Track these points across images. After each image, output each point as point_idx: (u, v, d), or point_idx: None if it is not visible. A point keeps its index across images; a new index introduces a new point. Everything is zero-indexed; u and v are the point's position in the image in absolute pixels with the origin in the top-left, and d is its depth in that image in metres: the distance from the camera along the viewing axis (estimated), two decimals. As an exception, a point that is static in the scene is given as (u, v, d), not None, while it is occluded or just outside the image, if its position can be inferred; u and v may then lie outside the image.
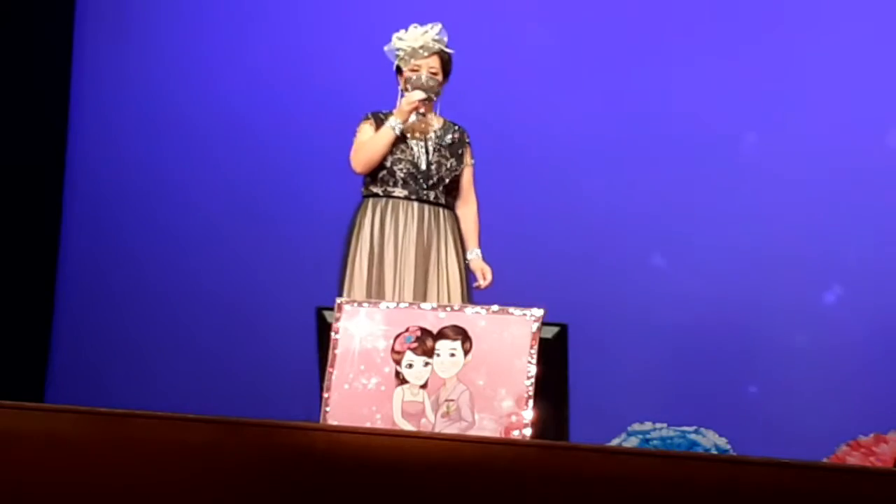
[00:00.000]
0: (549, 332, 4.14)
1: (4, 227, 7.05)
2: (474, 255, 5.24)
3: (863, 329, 6.42)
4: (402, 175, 5.16)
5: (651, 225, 6.68)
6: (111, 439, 3.11)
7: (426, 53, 5.18)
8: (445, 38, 5.20)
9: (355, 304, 4.13)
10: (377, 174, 5.18)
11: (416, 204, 5.17)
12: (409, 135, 5.21)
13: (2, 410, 3.21)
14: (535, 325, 4.02)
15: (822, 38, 6.57)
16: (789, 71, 6.59)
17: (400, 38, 5.18)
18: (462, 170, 5.28)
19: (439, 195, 5.20)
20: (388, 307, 4.15)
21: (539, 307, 4.08)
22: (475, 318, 4.07)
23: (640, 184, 6.68)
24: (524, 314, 4.06)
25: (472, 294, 5.19)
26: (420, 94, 5.14)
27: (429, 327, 4.06)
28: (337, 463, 3.02)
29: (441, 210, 5.21)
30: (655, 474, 2.87)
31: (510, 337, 4.00)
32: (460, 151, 5.28)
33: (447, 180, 5.22)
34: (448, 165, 5.22)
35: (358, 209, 5.22)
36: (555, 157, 6.75)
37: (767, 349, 6.52)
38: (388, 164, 5.16)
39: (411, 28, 5.19)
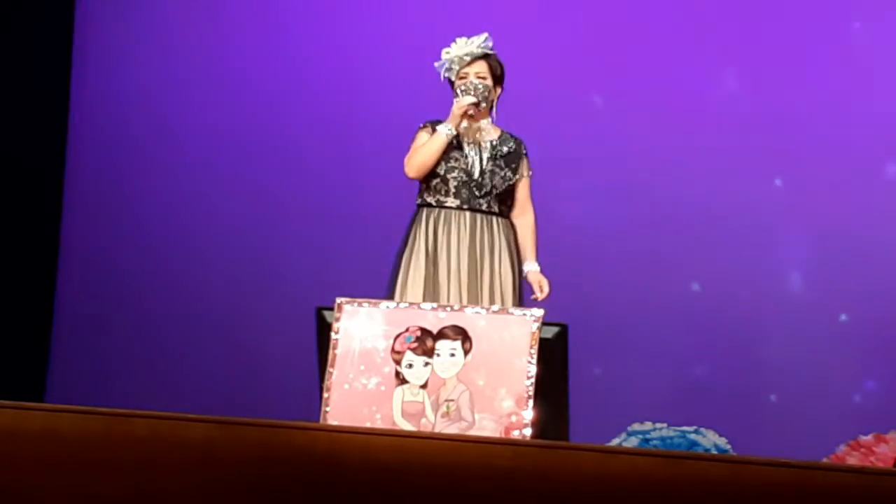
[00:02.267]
0: (549, 332, 4.14)
1: (4, 227, 7.04)
2: (532, 267, 5.23)
3: (863, 329, 6.42)
4: (454, 184, 5.17)
5: (652, 225, 6.68)
6: (111, 439, 3.11)
7: (470, 59, 5.20)
8: (490, 44, 5.22)
9: (355, 304, 4.13)
10: (431, 183, 5.20)
11: (468, 214, 5.17)
12: (466, 143, 5.22)
13: (2, 410, 3.21)
14: (535, 325, 4.02)
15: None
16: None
17: (447, 52, 5.22)
18: (518, 181, 5.27)
19: (492, 204, 5.20)
20: (388, 307, 4.16)
21: (539, 307, 4.08)
22: (475, 318, 4.07)
23: (641, 183, 6.68)
24: (524, 314, 4.06)
25: (524, 304, 5.17)
26: (470, 99, 5.16)
27: (429, 327, 4.07)
28: (337, 463, 3.02)
29: (494, 219, 5.21)
30: (655, 474, 2.87)
31: (510, 337, 4.01)
32: (516, 163, 5.27)
33: (500, 190, 5.21)
34: (502, 175, 5.21)
35: (413, 219, 5.23)
36: (554, 157, 6.75)
37: (768, 349, 6.52)
38: (441, 172, 5.18)
39: (457, 40, 5.23)
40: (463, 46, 5.22)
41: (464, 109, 5.15)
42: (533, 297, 5.23)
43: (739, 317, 6.55)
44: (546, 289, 5.21)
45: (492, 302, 5.05)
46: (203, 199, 7.15)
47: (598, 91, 6.80)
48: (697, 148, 6.69)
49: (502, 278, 5.17)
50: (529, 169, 5.32)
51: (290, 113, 7.10)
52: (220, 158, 7.16)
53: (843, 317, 6.46)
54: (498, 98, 5.30)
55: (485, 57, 5.23)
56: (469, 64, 5.22)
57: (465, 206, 5.18)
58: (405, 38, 6.92)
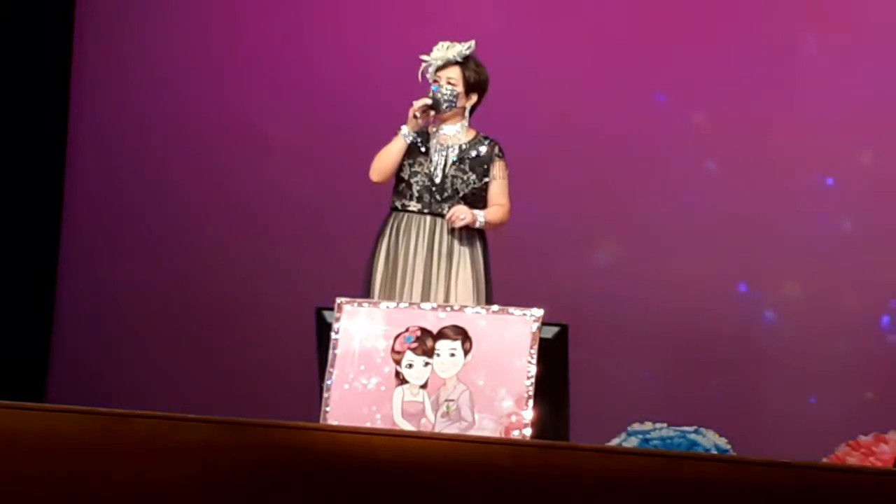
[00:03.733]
0: (549, 332, 4.15)
1: (4, 227, 7.04)
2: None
3: (862, 329, 6.42)
4: (417, 188, 5.23)
5: (651, 225, 6.68)
6: (111, 439, 3.12)
7: (441, 63, 5.25)
8: (468, 52, 5.26)
9: (355, 304, 4.14)
10: (398, 187, 5.26)
11: (427, 218, 5.21)
12: (434, 147, 5.26)
13: (2, 410, 3.21)
14: (535, 325, 4.03)
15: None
16: (799, 84, 6.60)
17: (427, 55, 5.26)
18: (488, 183, 5.28)
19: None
20: (388, 307, 4.16)
21: (539, 307, 4.09)
22: (475, 318, 4.07)
23: (641, 184, 6.68)
24: (524, 314, 4.07)
25: (488, 302, 5.15)
26: (422, 101, 5.21)
27: (429, 327, 4.07)
28: (337, 463, 3.03)
29: None
30: (655, 474, 2.88)
31: (510, 337, 4.01)
32: (485, 166, 5.28)
33: (464, 193, 5.23)
34: (465, 179, 5.23)
35: (382, 223, 5.28)
36: (555, 157, 6.75)
37: (767, 349, 6.52)
38: (406, 176, 5.24)
39: (439, 44, 5.27)
40: (440, 50, 5.27)
41: (413, 111, 5.20)
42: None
43: (740, 317, 6.55)
44: (454, 214, 5.12)
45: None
46: (204, 200, 7.14)
47: (597, 89, 6.79)
48: (695, 148, 6.69)
49: (459, 284, 5.18)
50: (505, 171, 5.32)
51: (290, 112, 7.09)
52: (221, 158, 7.15)
53: (843, 317, 6.46)
54: (474, 106, 5.31)
55: (460, 64, 5.26)
56: (444, 68, 5.26)
57: (426, 211, 5.22)
58: (410, 37, 6.92)
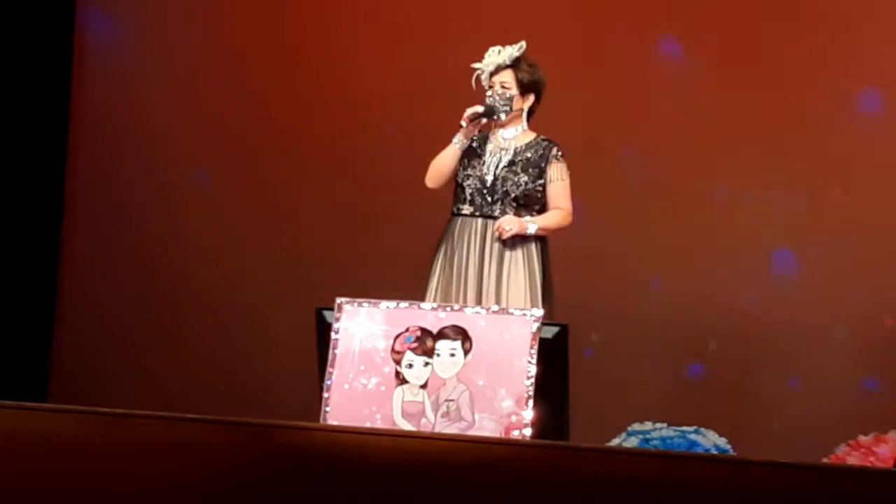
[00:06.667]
0: (549, 332, 4.15)
1: (5, 227, 7.04)
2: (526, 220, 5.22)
3: (863, 329, 6.42)
4: (469, 192, 5.23)
5: (652, 226, 6.68)
6: (111, 439, 3.12)
7: (492, 68, 5.26)
8: (518, 54, 5.26)
9: (355, 304, 4.14)
10: (455, 191, 5.28)
11: (479, 220, 5.20)
12: (489, 150, 5.27)
13: (2, 410, 3.21)
14: (535, 325, 4.03)
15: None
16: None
17: (480, 63, 5.28)
18: (543, 185, 5.25)
19: (507, 210, 5.20)
20: (388, 307, 4.16)
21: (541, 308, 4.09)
22: (475, 318, 4.08)
23: (641, 184, 6.68)
24: (524, 314, 4.07)
25: (546, 305, 5.13)
26: (473, 110, 5.20)
27: (429, 327, 4.08)
28: (337, 463, 3.03)
29: None
30: (655, 474, 2.88)
31: (510, 337, 4.02)
32: (542, 166, 5.27)
33: (515, 195, 5.20)
34: (515, 180, 5.21)
35: (445, 227, 5.29)
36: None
37: (767, 350, 6.52)
38: (460, 180, 5.25)
39: (489, 50, 5.27)
40: (491, 56, 5.27)
41: (465, 119, 5.19)
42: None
43: (739, 317, 6.54)
44: (500, 225, 5.14)
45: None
46: (204, 200, 7.14)
47: (594, 89, 6.79)
48: (694, 146, 6.69)
49: (510, 285, 5.14)
50: (564, 173, 5.27)
51: (292, 113, 7.09)
52: (221, 158, 7.15)
53: (843, 317, 6.46)
54: (533, 107, 5.30)
55: (512, 67, 5.25)
56: (496, 73, 5.26)
57: (478, 213, 5.21)
58: (409, 42, 6.92)
